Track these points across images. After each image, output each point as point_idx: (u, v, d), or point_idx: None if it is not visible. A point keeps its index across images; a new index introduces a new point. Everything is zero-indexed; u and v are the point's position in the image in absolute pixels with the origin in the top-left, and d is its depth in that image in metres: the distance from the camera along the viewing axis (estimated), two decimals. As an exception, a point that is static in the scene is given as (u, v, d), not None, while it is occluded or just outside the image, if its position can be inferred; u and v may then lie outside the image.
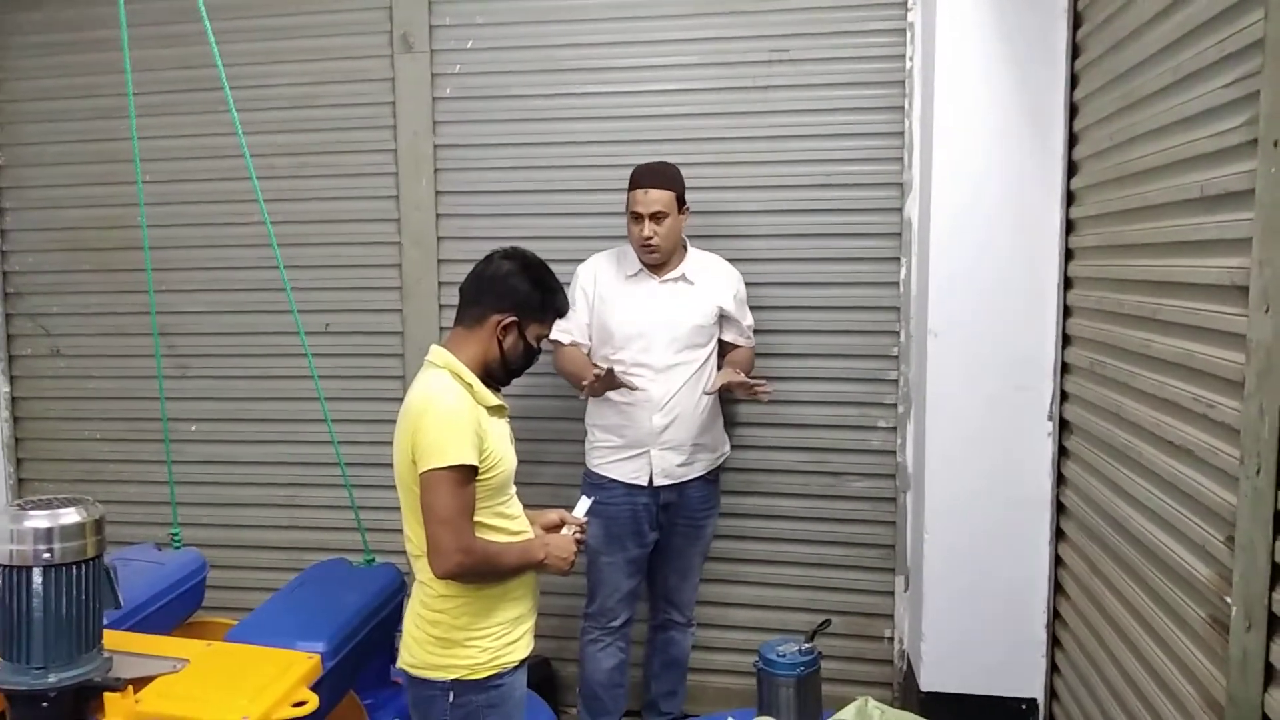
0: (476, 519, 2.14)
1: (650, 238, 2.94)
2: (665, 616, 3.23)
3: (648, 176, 2.98)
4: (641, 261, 3.03)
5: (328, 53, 3.60)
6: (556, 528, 2.35)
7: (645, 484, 3.02)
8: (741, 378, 2.91)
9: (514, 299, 2.21)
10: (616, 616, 3.11)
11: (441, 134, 3.55)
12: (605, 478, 3.05)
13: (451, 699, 2.15)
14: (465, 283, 2.27)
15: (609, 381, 2.82)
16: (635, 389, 2.91)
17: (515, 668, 2.23)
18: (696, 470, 3.08)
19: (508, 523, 2.22)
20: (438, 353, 2.21)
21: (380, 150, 3.60)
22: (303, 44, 3.61)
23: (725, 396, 3.16)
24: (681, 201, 3.00)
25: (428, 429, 2.07)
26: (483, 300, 2.21)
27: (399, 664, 2.24)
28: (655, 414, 2.98)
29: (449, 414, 2.08)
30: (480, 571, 2.13)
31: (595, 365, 2.93)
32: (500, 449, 2.18)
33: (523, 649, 2.24)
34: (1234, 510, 1.68)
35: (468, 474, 2.08)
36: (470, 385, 2.16)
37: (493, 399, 2.21)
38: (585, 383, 2.82)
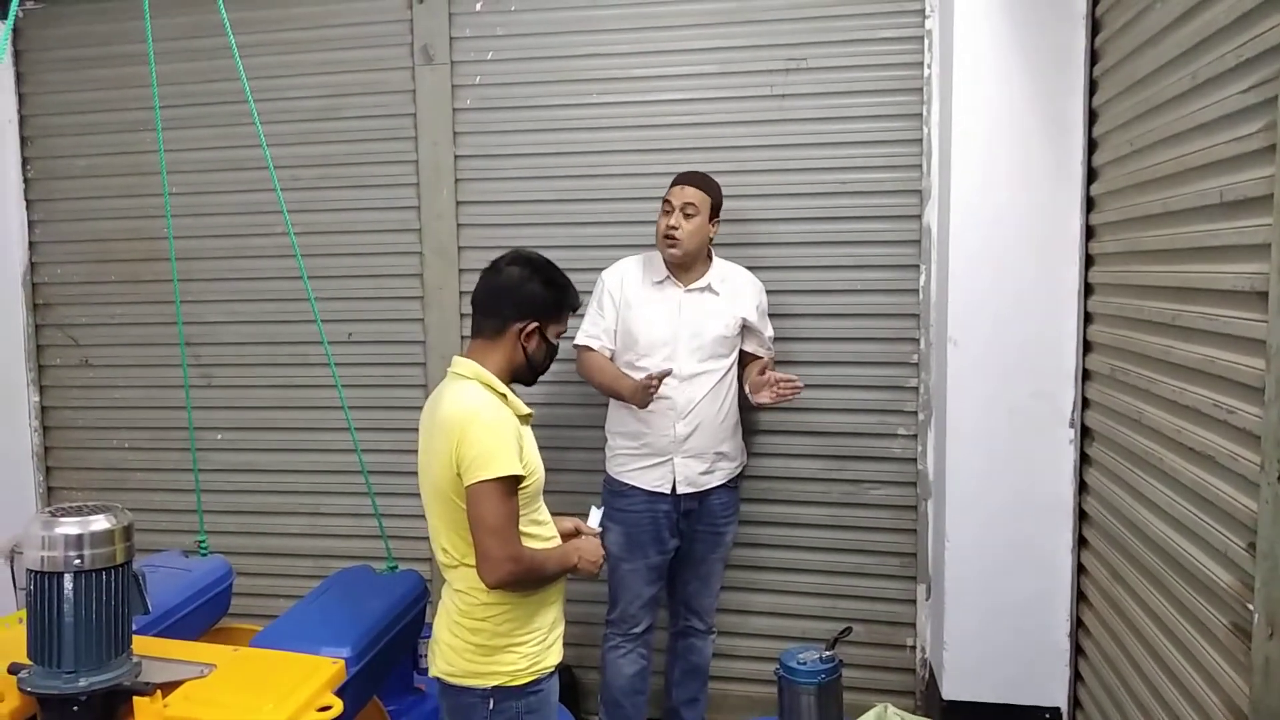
0: None
1: (675, 228, 2.96)
2: (686, 623, 3.23)
3: (688, 175, 3.04)
4: (665, 263, 3.04)
5: (349, 65, 3.64)
6: (572, 536, 2.37)
7: (668, 491, 3.03)
8: (775, 375, 2.93)
9: (532, 305, 2.23)
10: (638, 623, 3.12)
11: (462, 144, 3.58)
12: (627, 485, 3.06)
13: (492, 706, 2.16)
14: (478, 294, 2.27)
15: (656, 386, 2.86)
16: (670, 373, 2.92)
17: (551, 673, 2.25)
18: (718, 478, 3.09)
19: (540, 529, 2.25)
20: (465, 364, 2.21)
21: (401, 161, 3.63)
22: (325, 57, 3.66)
23: (746, 405, 3.16)
24: (715, 211, 3.02)
25: (474, 441, 2.07)
26: (502, 311, 2.22)
27: (433, 672, 2.25)
28: (678, 422, 2.99)
29: (493, 425, 2.10)
30: (528, 579, 2.15)
31: (629, 375, 2.97)
32: (535, 458, 2.21)
33: (556, 654, 2.26)
34: (1255, 516, 1.67)
35: (514, 484, 2.10)
36: (504, 395, 2.18)
37: (524, 408, 2.23)
38: (645, 395, 2.84)
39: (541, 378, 2.34)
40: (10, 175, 3.91)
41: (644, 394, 2.84)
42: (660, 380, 2.83)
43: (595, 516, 2.46)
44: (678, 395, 2.97)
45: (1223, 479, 1.85)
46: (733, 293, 3.08)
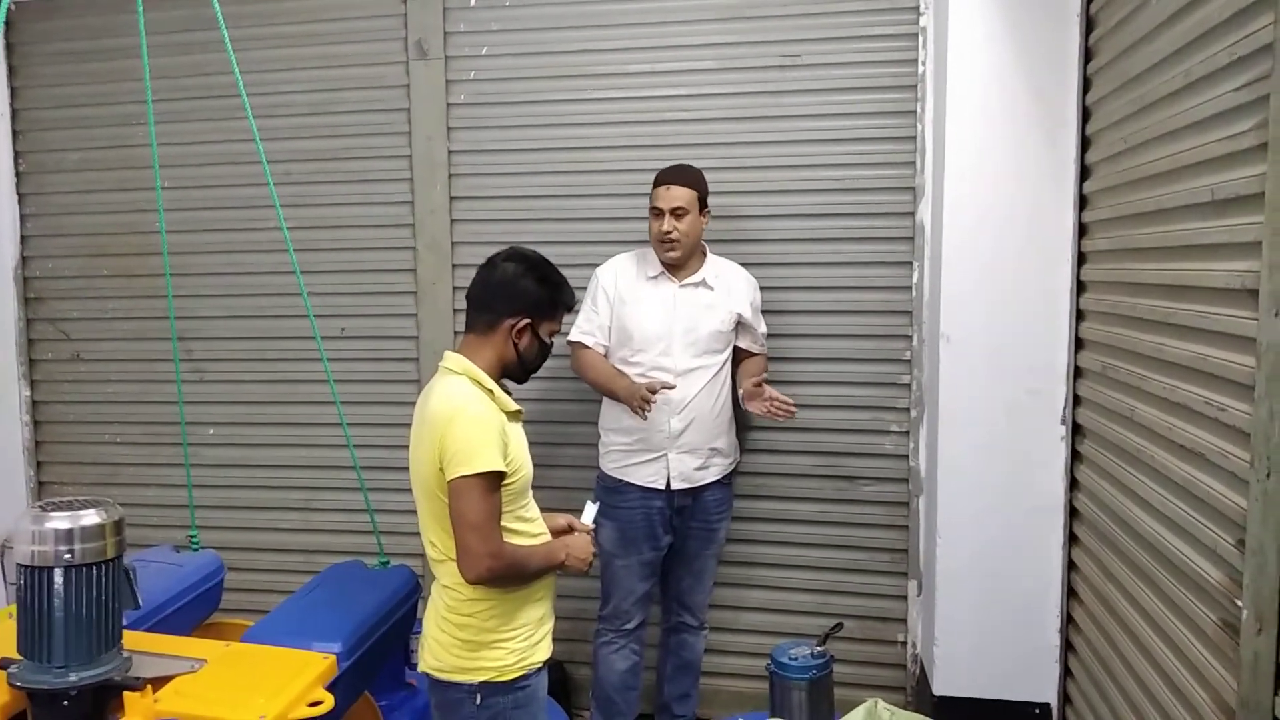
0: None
1: (669, 232, 2.96)
2: (678, 619, 3.23)
3: (670, 174, 3.02)
4: (661, 261, 3.04)
5: (343, 60, 3.63)
6: (565, 533, 2.36)
7: (662, 487, 3.03)
8: (772, 392, 2.93)
9: (525, 301, 2.23)
10: (630, 619, 3.12)
11: (456, 140, 3.58)
12: (620, 481, 3.06)
13: (479, 701, 2.16)
14: (472, 289, 2.28)
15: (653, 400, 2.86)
16: (671, 387, 2.92)
17: (539, 669, 2.25)
18: (712, 474, 3.09)
19: (528, 526, 2.24)
20: (455, 359, 2.22)
21: (395, 156, 3.63)
22: (318, 51, 3.65)
23: (739, 401, 3.17)
24: (703, 203, 3.02)
25: (457, 436, 2.07)
26: (494, 306, 2.23)
27: (422, 668, 2.25)
28: (673, 417, 2.99)
29: (477, 421, 2.10)
30: (509, 575, 2.15)
31: (624, 374, 2.98)
32: (521, 455, 2.20)
33: (545, 650, 2.26)
34: (1244, 513, 1.68)
35: (496, 480, 2.10)
36: (491, 392, 2.18)
37: (511, 404, 2.23)
38: (642, 408, 2.84)
39: (534, 374, 2.34)
40: (2, 169, 3.89)
41: (641, 404, 2.83)
42: (656, 393, 2.83)
43: (590, 512, 2.45)
44: (672, 391, 2.97)
45: (1213, 476, 1.86)
46: (728, 288, 3.09)
